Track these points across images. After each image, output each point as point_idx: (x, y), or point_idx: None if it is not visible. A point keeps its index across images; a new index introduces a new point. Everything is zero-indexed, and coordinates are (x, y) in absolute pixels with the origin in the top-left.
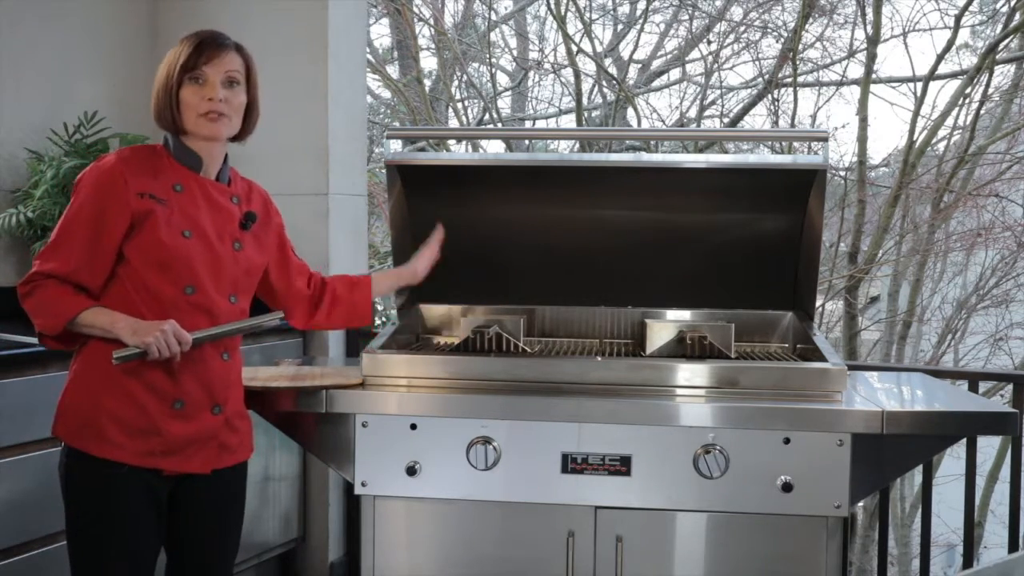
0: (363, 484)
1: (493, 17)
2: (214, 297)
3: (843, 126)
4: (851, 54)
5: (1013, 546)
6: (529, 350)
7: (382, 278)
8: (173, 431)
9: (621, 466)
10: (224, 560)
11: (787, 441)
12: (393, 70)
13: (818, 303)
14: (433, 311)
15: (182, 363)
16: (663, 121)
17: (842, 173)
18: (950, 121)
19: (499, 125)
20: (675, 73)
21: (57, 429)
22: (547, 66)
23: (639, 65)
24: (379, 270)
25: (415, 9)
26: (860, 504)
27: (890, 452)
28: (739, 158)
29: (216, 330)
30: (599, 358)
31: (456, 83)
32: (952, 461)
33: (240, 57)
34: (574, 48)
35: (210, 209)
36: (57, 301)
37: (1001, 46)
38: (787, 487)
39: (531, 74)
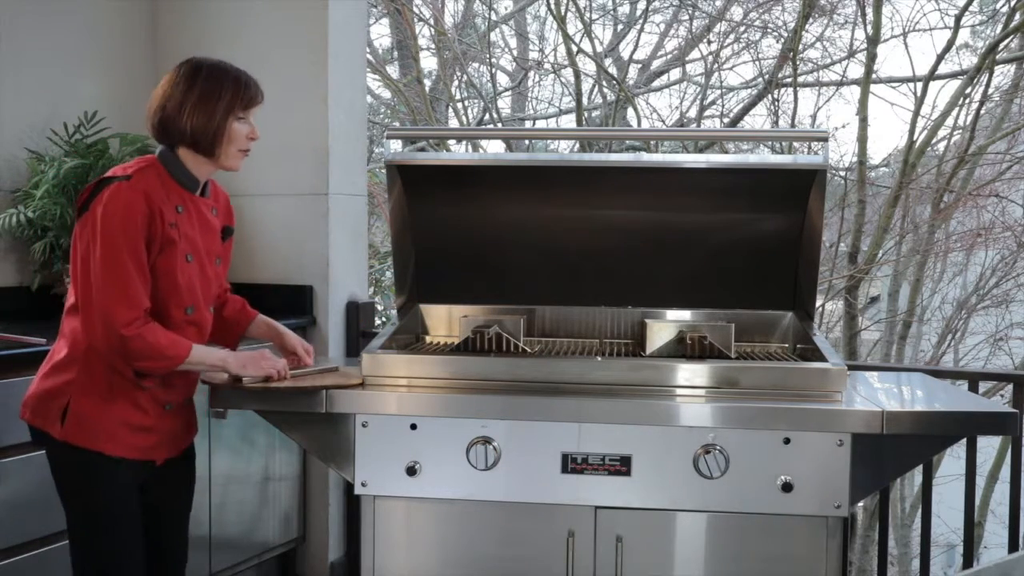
0: (363, 484)
1: (493, 17)
2: (204, 313)
3: (843, 126)
4: (851, 54)
5: (1013, 546)
6: (529, 350)
7: (263, 327)
8: (166, 428)
9: (621, 466)
10: (186, 508)
11: (787, 441)
12: (393, 70)
13: (818, 303)
14: (433, 311)
15: (178, 376)
16: (663, 121)
17: (842, 173)
18: (950, 121)
19: (499, 125)
20: (675, 73)
21: (53, 431)
22: (547, 66)
23: (639, 65)
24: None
25: (415, 9)
26: (860, 504)
27: (890, 452)
28: (739, 158)
29: (307, 370)
30: (599, 358)
31: (456, 83)
32: (952, 461)
33: None
34: (574, 48)
35: (202, 228)
36: (167, 345)
37: (1001, 46)
38: (787, 487)
39: (531, 74)
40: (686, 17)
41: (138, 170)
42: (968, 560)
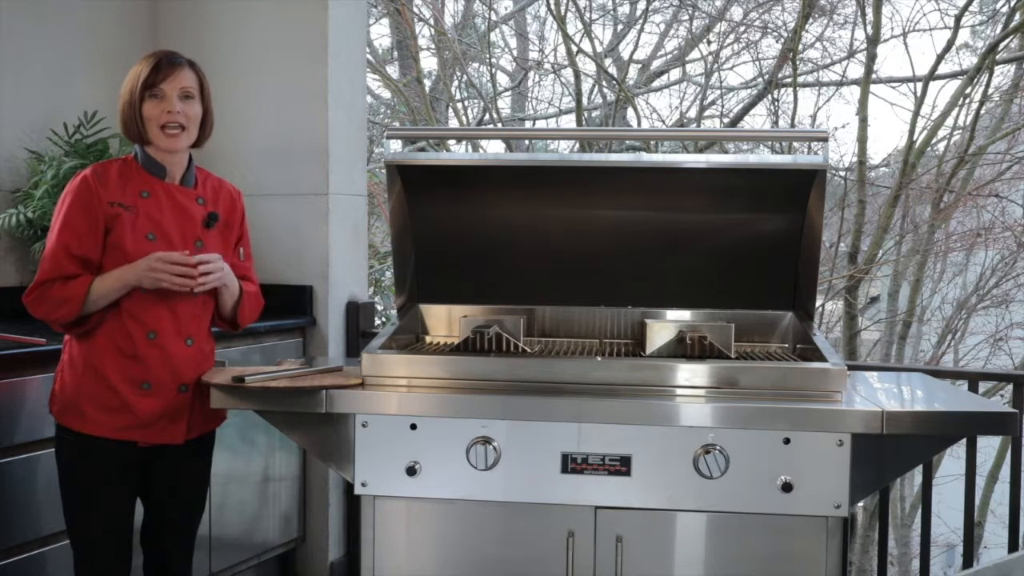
0: (363, 484)
1: (493, 17)
2: (175, 291)
3: (843, 126)
4: (851, 54)
5: (1013, 546)
6: (529, 350)
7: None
8: (142, 408)
9: (621, 466)
10: (191, 516)
11: (787, 441)
12: (393, 70)
13: (818, 303)
14: (433, 311)
15: (150, 350)
16: (663, 121)
17: (842, 173)
18: (950, 121)
19: (499, 125)
20: (675, 73)
21: (51, 409)
22: (547, 66)
23: (639, 65)
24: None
25: (415, 9)
26: (860, 504)
27: (890, 452)
28: (739, 158)
29: (270, 371)
30: (599, 358)
31: (456, 83)
32: (952, 461)
33: (193, 73)
34: (574, 48)
35: (174, 212)
36: (65, 292)
37: (1001, 46)
38: (787, 487)
39: (531, 74)
40: (686, 17)
41: (105, 162)
42: (968, 560)
